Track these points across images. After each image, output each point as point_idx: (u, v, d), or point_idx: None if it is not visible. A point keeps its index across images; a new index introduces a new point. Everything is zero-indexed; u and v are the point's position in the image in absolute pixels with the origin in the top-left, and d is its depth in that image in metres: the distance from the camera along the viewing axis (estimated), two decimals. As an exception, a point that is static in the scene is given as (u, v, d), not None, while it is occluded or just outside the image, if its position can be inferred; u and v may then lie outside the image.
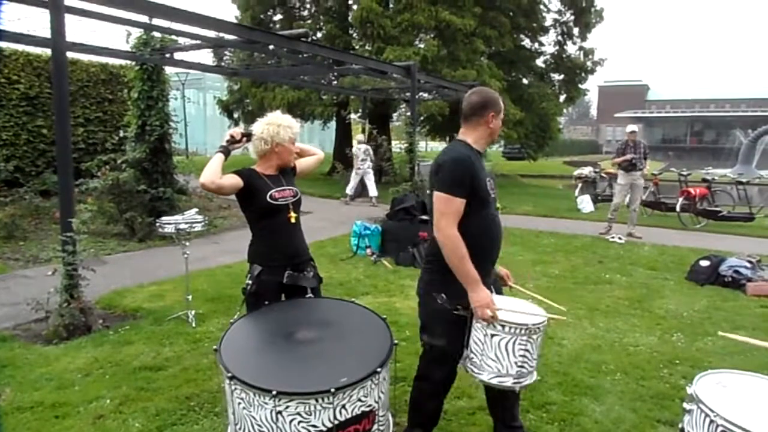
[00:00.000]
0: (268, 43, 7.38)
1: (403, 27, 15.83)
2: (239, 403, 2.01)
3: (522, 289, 2.90)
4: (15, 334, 4.63)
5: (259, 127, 2.89)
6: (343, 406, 1.93)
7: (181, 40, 7.92)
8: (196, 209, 5.71)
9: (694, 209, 10.94)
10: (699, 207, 11.00)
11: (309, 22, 19.10)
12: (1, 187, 9.75)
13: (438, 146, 34.74)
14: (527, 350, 2.36)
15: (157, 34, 8.15)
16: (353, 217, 9.10)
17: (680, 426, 1.99)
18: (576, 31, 20.85)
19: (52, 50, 4.50)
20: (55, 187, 7.98)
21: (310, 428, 1.91)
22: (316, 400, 1.89)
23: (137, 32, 8.13)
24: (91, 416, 3.24)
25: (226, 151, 2.82)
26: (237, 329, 2.39)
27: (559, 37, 21.38)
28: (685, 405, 1.95)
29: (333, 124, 21.59)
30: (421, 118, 18.34)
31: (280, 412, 1.89)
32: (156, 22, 6.20)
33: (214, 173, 2.68)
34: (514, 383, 2.36)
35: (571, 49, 21.48)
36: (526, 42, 21.69)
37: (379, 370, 2.02)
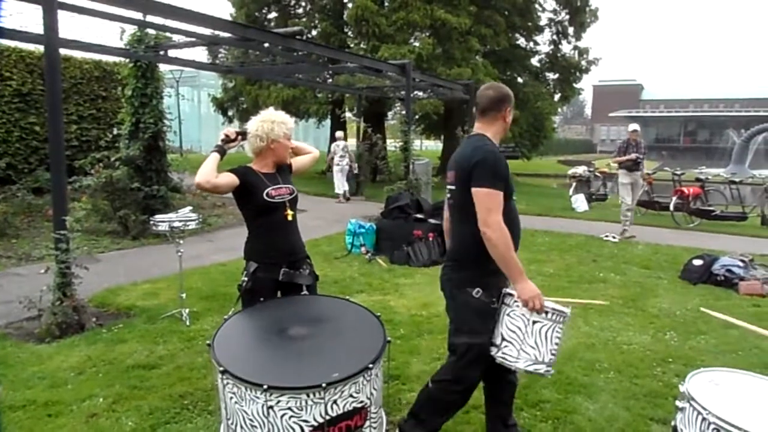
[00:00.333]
0: (263, 41, 7.37)
1: (398, 25, 15.83)
2: (231, 398, 2.01)
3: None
4: (7, 332, 4.59)
5: (253, 124, 2.88)
6: (335, 402, 1.94)
7: (176, 38, 7.90)
8: (190, 207, 5.69)
9: (688, 208, 10.99)
10: (692, 206, 11.05)
11: (304, 20, 19.07)
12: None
13: (433, 145, 34.74)
14: (560, 337, 2.46)
15: (151, 31, 8.11)
16: (348, 216, 9.09)
17: (673, 424, 2.00)
18: (571, 30, 20.91)
19: (45, 47, 4.47)
20: (47, 185, 7.97)
21: (302, 423, 1.92)
22: (308, 395, 1.90)
23: (131, 29, 8.10)
24: (84, 415, 3.22)
25: (221, 151, 2.81)
26: (231, 325, 2.39)
27: (554, 37, 21.44)
28: (677, 403, 1.96)
29: (328, 122, 21.57)
30: (416, 116, 18.38)
31: (271, 407, 1.90)
32: (150, 19, 6.17)
33: (209, 173, 2.66)
34: (546, 371, 2.43)
35: (565, 48, 21.59)
36: (521, 41, 21.76)
37: (371, 366, 2.02)
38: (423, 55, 15.41)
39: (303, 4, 20.06)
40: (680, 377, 3.55)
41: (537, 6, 20.46)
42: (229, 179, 2.74)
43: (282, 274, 2.82)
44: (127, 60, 8.85)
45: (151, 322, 4.84)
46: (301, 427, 1.92)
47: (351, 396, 1.98)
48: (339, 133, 14.91)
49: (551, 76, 22.21)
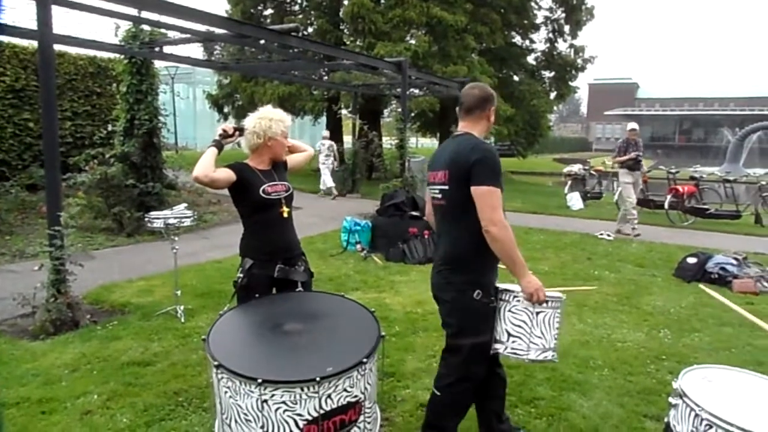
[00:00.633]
0: (259, 38, 7.34)
1: (395, 23, 15.81)
2: (226, 392, 2.02)
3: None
4: (1, 329, 4.58)
5: (251, 121, 2.88)
6: (329, 396, 1.94)
7: (171, 34, 7.84)
8: (186, 204, 5.68)
9: (682, 207, 11.03)
10: (687, 205, 11.09)
11: (300, 16, 19.01)
12: (-13, 181, 9.64)
13: (429, 142, 34.75)
14: (559, 322, 2.56)
15: (146, 28, 8.07)
16: (343, 213, 9.09)
17: (666, 420, 2.01)
18: (567, 28, 20.95)
19: (39, 42, 4.44)
20: (41, 181, 7.92)
21: (296, 417, 1.92)
22: (302, 389, 1.90)
23: (126, 25, 8.05)
24: (79, 412, 3.22)
25: (219, 146, 2.81)
26: (226, 320, 2.40)
27: (550, 35, 21.48)
28: (670, 399, 1.97)
29: (323, 119, 21.53)
30: (412, 114, 18.36)
31: (265, 401, 1.90)
32: (145, 15, 6.14)
33: (207, 167, 2.66)
34: (553, 356, 2.53)
35: (561, 46, 21.62)
36: (517, 39, 21.77)
37: (365, 360, 2.03)
38: (419, 53, 15.40)
39: (299, 0, 20.01)
40: (674, 374, 3.57)
41: (533, 4, 20.48)
42: (227, 174, 2.74)
43: (277, 270, 2.83)
44: (122, 56, 8.80)
45: (146, 319, 4.83)
46: (296, 421, 1.92)
47: (345, 390, 1.98)
48: (325, 133, 15.35)
49: (547, 74, 22.23)
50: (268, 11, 19.84)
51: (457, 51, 16.71)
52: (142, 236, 8.32)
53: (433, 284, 2.72)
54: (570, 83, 22.25)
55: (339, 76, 14.28)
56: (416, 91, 16.00)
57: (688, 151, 48.08)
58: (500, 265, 2.62)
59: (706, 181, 12.30)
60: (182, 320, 4.78)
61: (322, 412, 1.93)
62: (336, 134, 20.83)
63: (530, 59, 22.03)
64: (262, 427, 1.94)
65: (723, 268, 6.28)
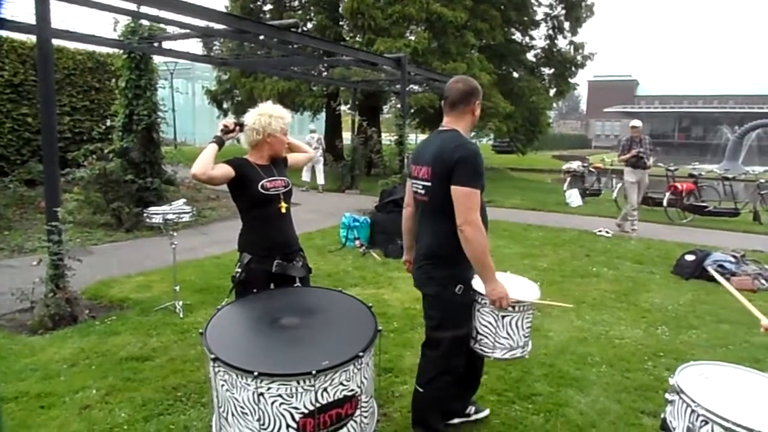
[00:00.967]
0: (258, 33, 7.32)
1: (394, 18, 15.76)
2: (222, 385, 2.03)
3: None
4: (-1, 324, 4.59)
5: (251, 117, 2.88)
6: (325, 389, 1.95)
7: (170, 29, 7.83)
8: (184, 200, 5.67)
9: (681, 204, 11.04)
10: (686, 202, 11.09)
11: (299, 12, 18.97)
12: (-14, 176, 9.62)
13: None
14: (531, 322, 2.68)
15: (145, 23, 8.05)
16: (342, 209, 9.08)
17: (662, 416, 2.02)
18: (567, 25, 20.90)
19: (37, 37, 4.43)
20: (40, 177, 7.90)
21: (292, 410, 1.93)
22: (298, 382, 1.91)
23: (125, 20, 8.03)
24: (77, 406, 3.22)
25: (220, 142, 2.79)
26: (223, 315, 2.41)
27: (550, 31, 21.41)
28: (667, 396, 1.97)
29: (323, 115, 21.50)
30: (411, 110, 18.32)
31: (261, 394, 1.91)
32: (144, 9, 6.11)
33: (206, 164, 2.65)
34: (522, 353, 2.65)
35: (561, 43, 21.55)
36: (517, 36, 21.71)
37: (361, 354, 2.03)
38: (418, 49, 15.36)
39: (298, -4, 19.95)
40: (671, 371, 3.57)
41: (533, 1, 20.43)
42: (225, 170, 2.73)
43: (275, 265, 2.84)
44: (121, 51, 8.78)
45: (145, 315, 4.84)
46: (292, 414, 1.93)
47: (341, 384, 1.99)
48: (312, 126, 15.58)
49: (546, 70, 22.19)
50: (268, 7, 19.78)
51: (457, 48, 16.68)
52: (141, 232, 8.32)
53: (414, 279, 2.78)
54: (569, 80, 22.20)
55: (338, 72, 14.25)
56: (416, 87, 15.95)
57: (687, 148, 48.06)
58: None
59: (705, 178, 12.31)
60: (181, 315, 4.79)
61: (318, 405, 1.94)
62: (335, 130, 20.83)
63: (530, 56, 21.99)
64: (258, 420, 1.94)
65: (721, 266, 6.29)
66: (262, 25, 7.59)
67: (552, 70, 21.94)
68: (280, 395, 1.91)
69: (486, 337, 2.62)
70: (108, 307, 5.10)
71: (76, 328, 4.48)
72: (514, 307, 2.54)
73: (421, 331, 4.43)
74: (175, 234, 4.92)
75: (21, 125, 10.92)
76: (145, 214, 5.02)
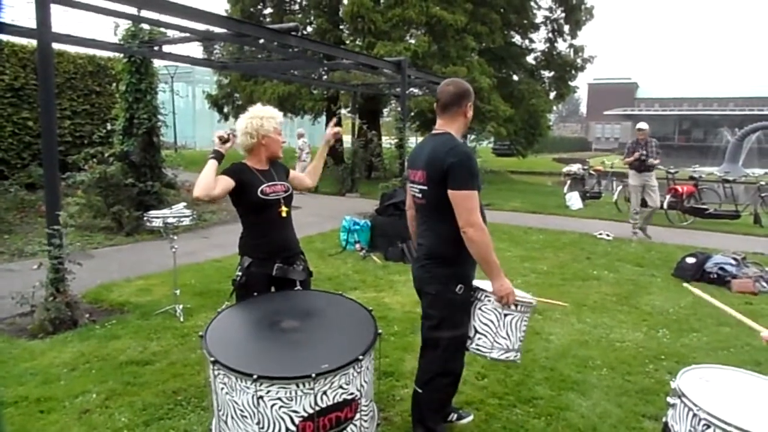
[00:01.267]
0: (258, 37, 7.32)
1: (394, 22, 15.80)
2: (222, 388, 2.03)
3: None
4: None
5: (242, 122, 2.87)
6: (325, 393, 1.95)
7: (170, 33, 7.83)
8: (185, 203, 5.67)
9: (682, 207, 11.03)
10: (686, 204, 11.09)
11: (299, 16, 19.01)
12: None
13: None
14: (526, 325, 2.71)
15: (145, 26, 8.06)
16: (343, 212, 9.08)
17: (664, 420, 2.01)
18: (566, 28, 20.94)
19: (38, 41, 4.43)
20: (41, 180, 7.91)
21: (292, 413, 1.93)
22: (297, 386, 1.91)
23: (125, 24, 8.04)
24: (77, 411, 3.21)
25: (219, 156, 2.76)
26: (223, 318, 2.41)
27: (550, 34, 21.47)
28: (668, 399, 1.97)
29: (323, 119, 21.53)
30: (411, 113, 18.35)
31: (261, 397, 1.91)
32: (144, 13, 6.12)
33: (207, 185, 2.62)
34: (515, 356, 2.68)
35: (561, 46, 21.60)
36: (517, 39, 21.77)
37: (361, 358, 2.03)
38: (419, 53, 15.39)
39: (298, 0, 19.99)
40: (672, 374, 3.57)
41: (533, 3, 20.47)
42: (225, 185, 2.71)
43: (276, 269, 2.83)
44: (122, 55, 8.79)
45: (145, 319, 4.83)
46: (291, 418, 1.93)
47: (341, 387, 1.99)
48: (300, 130, 15.50)
49: (546, 73, 22.22)
50: (268, 10, 19.84)
51: (457, 51, 16.71)
52: (142, 235, 8.32)
53: (415, 277, 2.78)
54: (569, 83, 22.24)
55: (338, 76, 14.27)
56: (416, 90, 15.99)
57: (687, 151, 48.00)
58: None
59: (706, 181, 12.30)
60: (181, 319, 4.78)
61: (317, 408, 1.94)
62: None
63: (530, 59, 22.02)
64: (258, 423, 1.94)
65: (722, 268, 6.29)
66: (262, 28, 7.61)
67: (552, 73, 21.98)
68: (279, 398, 1.91)
69: (485, 336, 2.64)
70: (108, 311, 5.09)
71: (76, 332, 4.47)
72: (517, 305, 2.58)
73: (422, 335, 4.45)
74: (175, 237, 4.92)
75: (22, 129, 10.95)
76: (145, 218, 5.02)
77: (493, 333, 2.63)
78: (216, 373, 2.03)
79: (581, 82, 75.46)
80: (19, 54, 10.84)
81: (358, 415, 2.09)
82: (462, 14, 16.45)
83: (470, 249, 2.48)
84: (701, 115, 55.01)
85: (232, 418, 2.01)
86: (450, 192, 2.46)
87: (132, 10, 6.04)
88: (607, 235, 9.08)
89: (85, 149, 8.89)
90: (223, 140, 2.83)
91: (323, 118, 21.50)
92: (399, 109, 9.84)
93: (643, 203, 9.14)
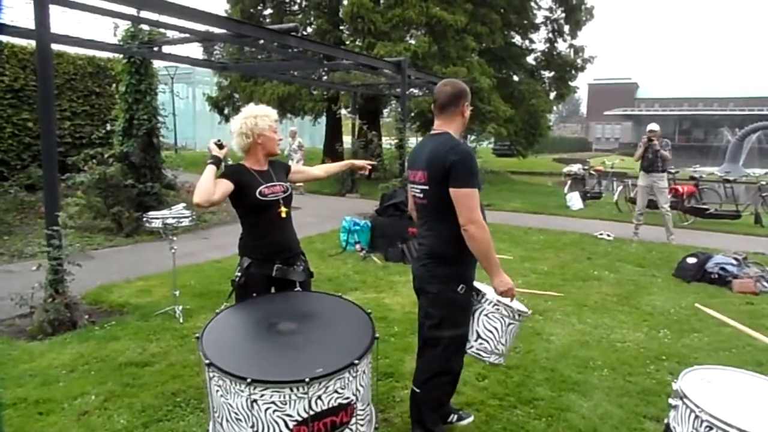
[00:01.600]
0: (258, 38, 7.32)
1: (394, 22, 15.78)
2: (217, 391, 2.02)
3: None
4: (-1, 329, 4.56)
5: (236, 123, 2.86)
6: (319, 397, 1.93)
7: (170, 34, 7.82)
8: (184, 204, 5.66)
9: (682, 207, 11.02)
10: (687, 205, 11.09)
11: (299, 16, 18.99)
12: (-14, 181, 9.63)
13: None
14: (517, 334, 2.87)
15: (145, 27, 8.06)
16: (342, 213, 9.07)
17: (666, 421, 2.00)
18: (566, 28, 20.91)
19: (37, 42, 4.42)
20: (40, 181, 7.90)
21: (286, 417, 1.91)
22: (291, 390, 1.89)
23: (125, 25, 8.03)
24: (76, 412, 3.20)
25: (217, 161, 2.76)
26: (221, 319, 2.40)
27: (550, 35, 21.44)
28: (670, 401, 1.96)
29: (323, 119, 21.53)
30: (412, 114, 18.33)
31: (255, 401, 1.90)
32: (144, 14, 6.12)
33: (207, 191, 2.60)
34: (500, 361, 2.81)
35: (561, 46, 21.56)
36: (517, 39, 21.75)
37: (356, 362, 2.02)
38: (419, 53, 15.37)
39: (298, 0, 19.99)
40: (674, 375, 3.56)
41: (533, 4, 20.45)
42: (225, 188, 2.70)
43: (275, 270, 2.82)
44: (121, 56, 8.79)
45: (144, 320, 4.82)
46: (285, 422, 1.92)
47: (336, 392, 1.97)
48: (293, 129, 15.40)
49: (547, 74, 22.20)
50: (268, 11, 19.82)
51: (457, 51, 16.69)
52: (141, 236, 8.31)
53: (416, 276, 2.79)
54: (569, 83, 22.23)
55: (338, 76, 14.27)
56: (416, 91, 15.97)
57: (687, 151, 47.94)
58: None
59: (706, 181, 12.30)
60: (180, 320, 4.77)
61: (312, 413, 1.92)
62: (335, 134, 20.84)
63: (530, 59, 22.00)
64: (252, 426, 1.93)
65: (723, 268, 6.27)
66: (262, 29, 7.61)
67: (552, 74, 21.96)
68: (273, 402, 1.90)
69: (488, 341, 2.72)
70: (108, 312, 5.08)
71: (75, 333, 4.45)
72: (521, 315, 2.72)
73: (422, 336, 4.43)
74: (174, 238, 4.91)
75: (21, 130, 10.94)
76: (144, 219, 5.01)
77: (496, 340, 2.71)
78: (211, 375, 2.02)
79: (581, 83, 75.36)
80: (19, 55, 10.84)
81: (354, 420, 2.08)
82: (462, 14, 16.44)
83: (471, 246, 2.49)
84: (702, 115, 55.04)
85: (227, 420, 2.00)
86: (451, 190, 2.47)
87: (131, 11, 6.03)
88: (608, 236, 9.07)
89: (84, 150, 8.87)
90: (221, 146, 2.83)
91: (323, 119, 21.50)
92: (399, 109, 9.83)
93: (651, 205, 9.10)
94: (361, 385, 2.09)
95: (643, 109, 59.74)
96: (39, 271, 4.57)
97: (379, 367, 3.63)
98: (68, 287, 4.60)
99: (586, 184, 14.48)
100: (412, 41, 16.57)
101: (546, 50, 21.74)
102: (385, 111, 22.31)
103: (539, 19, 21.27)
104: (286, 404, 1.90)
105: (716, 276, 6.25)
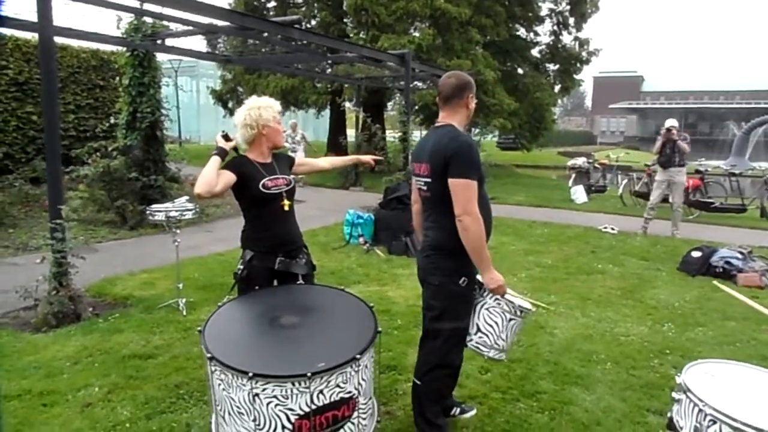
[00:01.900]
0: (262, 30, 7.29)
1: (398, 15, 15.69)
2: (219, 384, 2.02)
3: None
4: (3, 322, 4.59)
5: (240, 115, 2.84)
6: (321, 392, 1.93)
7: (173, 26, 7.81)
8: (187, 197, 5.66)
9: (687, 200, 10.96)
10: (692, 198, 11.03)
11: (303, 9, 18.92)
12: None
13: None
14: (520, 330, 2.85)
15: (148, 20, 8.04)
16: (346, 206, 9.07)
17: (669, 415, 1.99)
18: (571, 21, 20.76)
19: (39, 35, 4.42)
20: (45, 175, 7.93)
21: (287, 412, 1.91)
22: (293, 384, 1.89)
23: (128, 17, 8.02)
24: (80, 404, 3.22)
25: (222, 153, 2.76)
26: (223, 312, 2.40)
27: (555, 27, 21.28)
28: (674, 394, 1.95)
29: (327, 112, 21.49)
30: (416, 107, 18.29)
31: (257, 395, 1.90)
32: (147, 7, 6.10)
33: (209, 182, 2.59)
34: (503, 356, 2.80)
35: (566, 39, 21.41)
36: (522, 32, 21.61)
37: (358, 357, 2.01)
38: (423, 46, 15.30)
39: (302, -8, 19.91)
40: (677, 369, 3.55)
41: (538, -4, 20.33)
42: (227, 180, 2.69)
43: (278, 263, 2.81)
44: (125, 49, 8.78)
45: (148, 312, 4.83)
46: (287, 416, 1.92)
47: (338, 386, 1.97)
48: (294, 121, 15.34)
49: (551, 67, 22.09)
50: (271, 3, 19.73)
51: (461, 44, 16.60)
52: (145, 229, 8.33)
53: (419, 268, 2.79)
54: (574, 76, 22.09)
55: (342, 69, 14.21)
56: (420, 83, 15.91)
57: (693, 144, 47.17)
58: None
59: (712, 174, 12.24)
60: (184, 313, 4.78)
61: (313, 407, 1.92)
62: (339, 127, 20.81)
63: (535, 52, 21.87)
64: (254, 420, 1.93)
65: (728, 262, 6.25)
66: (265, 21, 7.56)
67: (557, 67, 21.85)
68: (275, 396, 1.90)
69: (488, 336, 2.71)
70: (111, 305, 5.10)
71: (79, 325, 4.48)
72: (523, 311, 2.69)
73: (425, 329, 4.44)
74: (178, 231, 4.92)
75: (26, 123, 10.95)
76: (148, 212, 5.01)
77: (496, 334, 2.70)
78: (213, 369, 2.02)
79: (586, 76, 75.27)
80: (22, 48, 10.83)
81: (356, 413, 2.07)
82: (466, 7, 16.33)
83: (463, 238, 2.47)
84: (707, 108, 54.66)
85: (230, 414, 2.00)
86: (450, 180, 2.47)
87: (135, 4, 6.02)
88: (612, 229, 9.04)
89: (88, 143, 8.86)
90: (228, 138, 2.82)
91: (327, 112, 21.45)
92: (403, 102, 9.79)
93: (665, 200, 9.01)
94: (363, 380, 2.09)
95: (649, 102, 59.40)
96: (43, 263, 4.59)
97: (381, 359, 3.63)
98: (72, 280, 4.62)
99: (591, 177, 14.42)
100: (416, 34, 16.48)
101: (551, 43, 21.61)
102: (389, 104, 22.25)
103: (544, 12, 21.13)
104: (287, 398, 1.90)
105: (721, 270, 6.22)
